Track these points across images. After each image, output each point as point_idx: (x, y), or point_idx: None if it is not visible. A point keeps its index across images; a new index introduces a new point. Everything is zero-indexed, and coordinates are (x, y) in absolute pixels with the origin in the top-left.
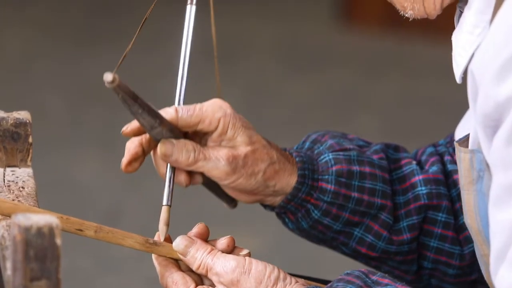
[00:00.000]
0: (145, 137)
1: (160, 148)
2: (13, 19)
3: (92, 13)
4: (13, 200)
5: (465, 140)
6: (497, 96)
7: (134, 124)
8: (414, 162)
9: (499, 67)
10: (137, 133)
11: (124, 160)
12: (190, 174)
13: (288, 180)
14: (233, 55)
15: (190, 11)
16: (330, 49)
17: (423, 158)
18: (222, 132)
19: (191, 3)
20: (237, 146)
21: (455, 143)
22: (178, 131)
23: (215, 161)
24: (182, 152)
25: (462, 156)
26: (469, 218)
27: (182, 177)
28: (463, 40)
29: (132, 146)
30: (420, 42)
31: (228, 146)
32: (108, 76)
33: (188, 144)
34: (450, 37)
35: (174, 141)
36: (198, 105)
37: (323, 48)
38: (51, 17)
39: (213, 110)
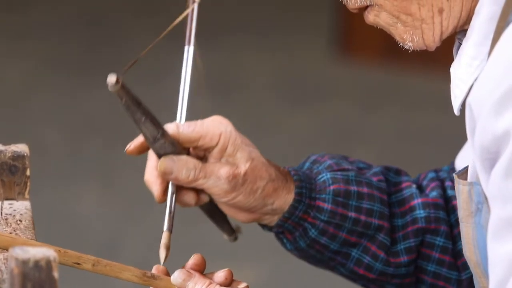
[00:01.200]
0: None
1: (160, 165)
2: (12, 51)
3: (91, 46)
4: (10, 233)
5: (464, 173)
6: (495, 129)
7: (137, 141)
8: (414, 186)
9: (497, 100)
10: (140, 149)
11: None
12: (198, 193)
13: (285, 198)
14: (230, 86)
15: (188, 52)
16: (329, 80)
17: (424, 182)
18: (222, 148)
19: (189, 44)
20: (236, 163)
21: (454, 175)
22: (180, 146)
23: (215, 179)
24: (183, 170)
25: (460, 188)
26: (468, 250)
27: (190, 196)
28: (462, 72)
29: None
30: (419, 73)
31: (228, 163)
32: (112, 78)
33: (189, 162)
34: (449, 69)
35: (174, 158)
36: (199, 121)
37: (322, 79)
38: (50, 49)
39: (213, 126)
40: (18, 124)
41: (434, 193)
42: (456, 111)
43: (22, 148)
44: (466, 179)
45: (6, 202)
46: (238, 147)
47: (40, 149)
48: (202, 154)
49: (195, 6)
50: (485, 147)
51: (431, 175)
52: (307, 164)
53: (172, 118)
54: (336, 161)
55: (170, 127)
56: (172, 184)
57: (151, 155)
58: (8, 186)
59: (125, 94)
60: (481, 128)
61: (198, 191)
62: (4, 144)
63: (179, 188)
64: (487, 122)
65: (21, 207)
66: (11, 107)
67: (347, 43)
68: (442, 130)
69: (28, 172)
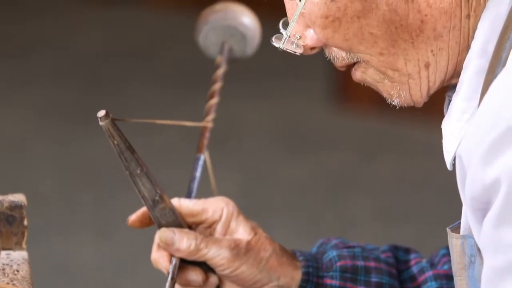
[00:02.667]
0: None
1: (160, 236)
2: (7, 99)
3: (87, 94)
4: (7, 283)
5: (457, 227)
6: (484, 178)
7: (138, 211)
8: (424, 260)
9: (486, 149)
10: (142, 219)
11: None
12: (205, 272)
13: (292, 275)
14: (227, 136)
15: (199, 160)
16: (325, 130)
17: (436, 259)
18: (225, 223)
19: (200, 153)
20: (239, 235)
21: (447, 229)
22: (181, 219)
23: (217, 248)
24: (183, 240)
25: (454, 242)
26: None
27: (197, 272)
28: (452, 127)
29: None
30: (416, 123)
31: (231, 236)
32: (101, 111)
33: (190, 233)
34: (441, 118)
35: (175, 230)
36: (201, 199)
37: (318, 129)
38: (46, 98)
39: (216, 201)
40: (15, 173)
41: (445, 266)
42: (448, 166)
43: (19, 198)
44: (459, 233)
45: (3, 252)
46: (241, 222)
47: (37, 198)
48: (207, 233)
49: (210, 124)
50: (476, 197)
51: (443, 251)
52: (314, 248)
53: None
54: (342, 240)
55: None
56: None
57: (157, 236)
58: (6, 236)
59: (117, 135)
60: (471, 178)
61: (205, 270)
62: (1, 194)
63: (184, 268)
64: (476, 172)
65: (18, 257)
66: (8, 156)
67: (345, 92)
68: (440, 179)
69: (25, 222)
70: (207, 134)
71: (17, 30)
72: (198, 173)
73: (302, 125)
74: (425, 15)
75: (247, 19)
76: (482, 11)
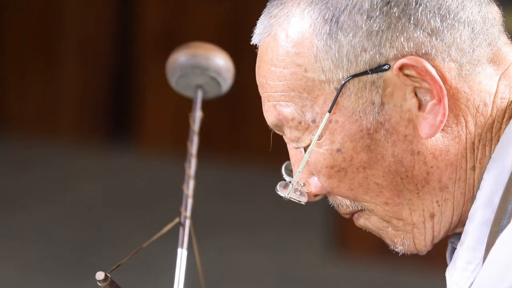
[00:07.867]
0: None
1: None
2: (1, 253)
3: (80, 248)
4: None
5: None
6: None
7: None
8: None
9: None
10: None
11: None
12: None
13: None
14: (225, 285)
15: (181, 255)
16: (323, 281)
17: None
18: None
19: (182, 247)
20: None
21: None
22: None
23: None
24: None
25: None
26: None
27: None
28: (457, 276)
29: None
30: (413, 272)
31: None
32: (100, 274)
33: None
34: (442, 267)
35: None
36: None
37: (316, 280)
38: (42, 252)
39: None
40: None
41: None
42: None
43: None
44: None
45: None
46: None
47: None
48: None
49: (188, 221)
50: None
51: None
52: None
53: None
54: None
55: None
56: None
57: None
58: None
59: None
60: None
61: None
62: None
63: None
64: None
65: None
66: None
67: (343, 241)
68: None
69: None
70: (187, 226)
71: (11, 182)
72: (181, 274)
73: (300, 274)
74: (431, 167)
75: (220, 61)
76: (487, 162)
